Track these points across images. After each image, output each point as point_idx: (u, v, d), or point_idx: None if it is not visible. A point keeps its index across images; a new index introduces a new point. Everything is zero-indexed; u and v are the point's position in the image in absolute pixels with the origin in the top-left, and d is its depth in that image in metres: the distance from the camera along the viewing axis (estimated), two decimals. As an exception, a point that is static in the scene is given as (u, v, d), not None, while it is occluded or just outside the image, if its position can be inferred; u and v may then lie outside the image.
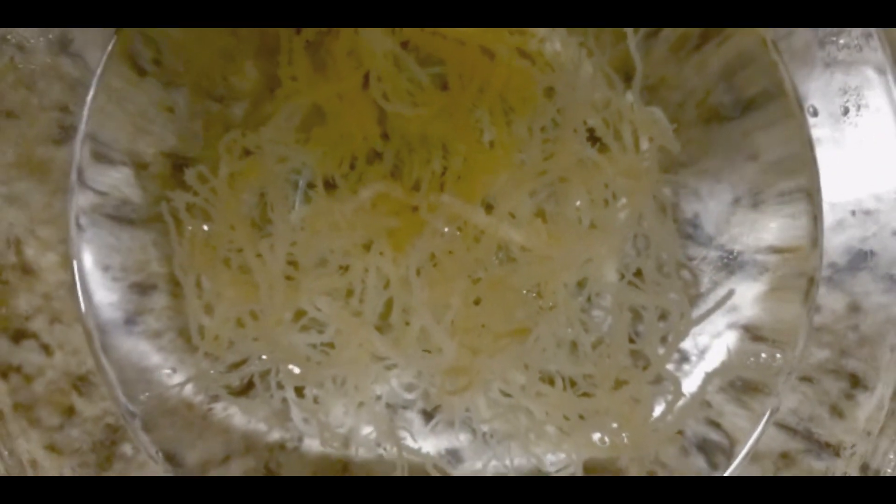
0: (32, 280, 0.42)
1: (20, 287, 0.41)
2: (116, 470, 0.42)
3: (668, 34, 0.42)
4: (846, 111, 0.40)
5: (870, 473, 0.40)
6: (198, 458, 0.43)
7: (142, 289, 0.43)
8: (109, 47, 0.40)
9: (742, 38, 0.40)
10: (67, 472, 0.41)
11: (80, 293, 0.42)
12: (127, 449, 0.42)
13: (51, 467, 0.41)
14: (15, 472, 0.40)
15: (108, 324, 0.42)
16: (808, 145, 0.41)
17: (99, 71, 0.40)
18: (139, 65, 0.42)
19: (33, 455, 0.41)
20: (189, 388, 0.43)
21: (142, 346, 0.42)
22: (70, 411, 0.42)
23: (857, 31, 0.38)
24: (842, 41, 0.39)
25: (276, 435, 0.44)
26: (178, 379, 0.42)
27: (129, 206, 0.42)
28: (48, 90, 0.41)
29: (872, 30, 0.38)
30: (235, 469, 0.43)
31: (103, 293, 0.42)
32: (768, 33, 0.40)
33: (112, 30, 0.41)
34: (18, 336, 0.41)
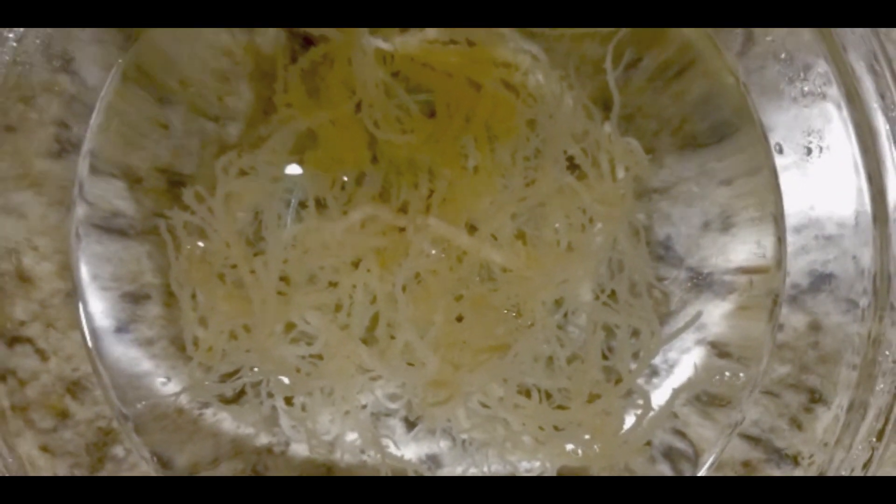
0: (29, 288, 0.43)
1: (17, 295, 0.43)
2: (108, 471, 0.44)
3: (648, 64, 0.44)
4: (809, 151, 0.42)
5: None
6: (187, 461, 0.45)
7: (134, 298, 0.44)
8: (114, 69, 0.42)
9: (713, 77, 0.43)
10: (62, 472, 0.42)
11: (80, 301, 0.43)
12: (118, 451, 0.44)
13: (45, 467, 0.42)
14: (15, 470, 0.41)
15: (101, 331, 0.44)
16: (774, 174, 0.43)
17: (103, 92, 0.42)
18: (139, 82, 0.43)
19: (30, 454, 0.42)
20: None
21: (134, 352, 0.44)
22: (64, 414, 0.43)
23: (819, 78, 0.41)
24: (806, 88, 0.41)
25: (263, 439, 0.45)
26: (172, 387, 0.43)
27: (122, 219, 0.44)
28: (47, 106, 0.42)
29: (831, 73, 0.40)
30: (224, 472, 0.45)
31: (97, 302, 0.44)
32: (739, 68, 0.42)
33: (112, 48, 0.42)
34: (14, 342, 0.43)
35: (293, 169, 0.42)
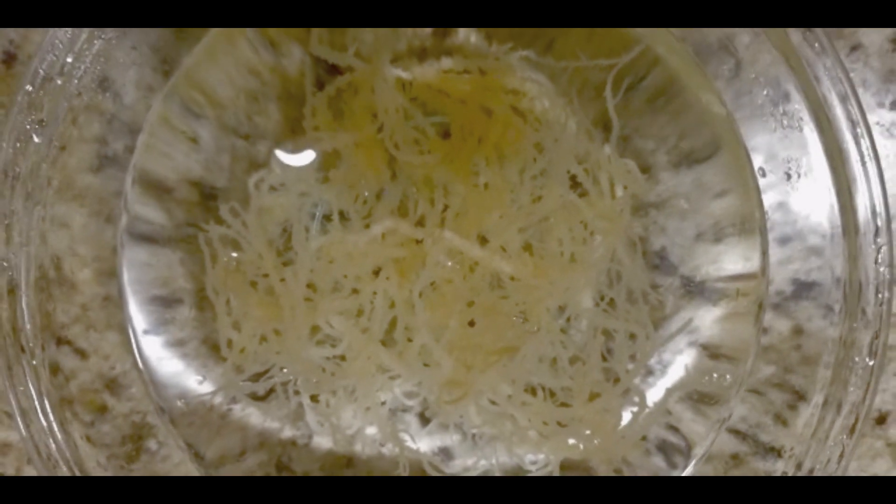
0: (72, 293, 0.45)
1: (60, 299, 0.45)
2: (142, 462, 0.46)
3: (648, 85, 0.46)
4: (789, 177, 0.45)
5: (803, 472, 0.44)
6: (216, 454, 0.47)
7: (167, 302, 0.47)
8: (160, 94, 0.45)
9: (702, 105, 0.46)
10: (102, 460, 0.45)
11: (124, 305, 0.46)
12: (152, 444, 0.47)
13: (90, 455, 0.45)
14: (68, 454, 0.43)
15: (137, 332, 0.47)
16: (758, 191, 0.46)
17: (150, 115, 0.45)
18: (175, 102, 0.46)
19: (77, 443, 0.44)
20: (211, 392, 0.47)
21: (167, 352, 0.47)
22: (102, 409, 0.46)
23: (796, 106, 0.44)
24: (785, 119, 0.44)
25: (288, 433, 0.48)
26: (207, 386, 0.47)
27: (157, 228, 0.47)
28: (88, 125, 0.44)
29: (805, 101, 0.43)
30: (250, 463, 0.48)
31: (133, 305, 0.47)
32: (726, 96, 0.45)
33: (147, 70, 0.45)
34: (59, 342, 0.45)
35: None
